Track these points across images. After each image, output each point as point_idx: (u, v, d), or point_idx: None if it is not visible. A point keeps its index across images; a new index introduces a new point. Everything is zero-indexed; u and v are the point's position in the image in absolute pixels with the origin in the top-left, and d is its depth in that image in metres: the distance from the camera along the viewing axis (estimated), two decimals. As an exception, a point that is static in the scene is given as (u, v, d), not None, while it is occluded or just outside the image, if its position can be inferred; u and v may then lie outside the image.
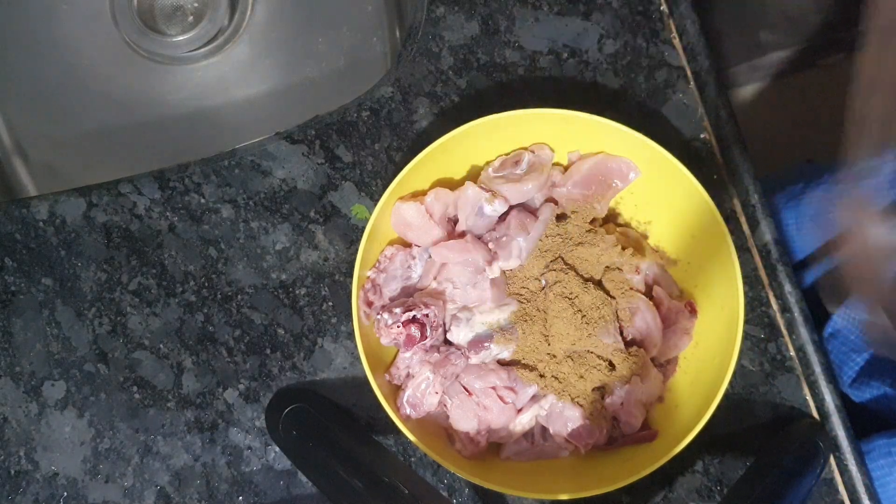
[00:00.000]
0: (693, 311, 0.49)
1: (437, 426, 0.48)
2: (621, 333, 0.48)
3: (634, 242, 0.51)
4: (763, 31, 1.27)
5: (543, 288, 0.48)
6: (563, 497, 0.44)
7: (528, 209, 0.50)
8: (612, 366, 0.47)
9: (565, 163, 0.52)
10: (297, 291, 0.53)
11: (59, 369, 0.52)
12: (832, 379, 0.51)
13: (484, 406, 0.47)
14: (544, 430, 0.49)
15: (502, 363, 0.48)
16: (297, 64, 0.73)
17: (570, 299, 0.47)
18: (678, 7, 0.56)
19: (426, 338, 0.47)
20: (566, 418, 0.47)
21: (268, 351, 0.52)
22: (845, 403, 0.52)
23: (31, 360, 0.52)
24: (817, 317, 0.53)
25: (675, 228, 0.50)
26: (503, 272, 0.49)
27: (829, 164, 0.67)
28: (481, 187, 0.49)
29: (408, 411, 0.47)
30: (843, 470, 0.50)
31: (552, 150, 0.51)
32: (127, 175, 0.54)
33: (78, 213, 0.54)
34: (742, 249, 0.53)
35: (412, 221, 0.48)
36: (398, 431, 0.45)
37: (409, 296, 0.49)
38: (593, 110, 0.48)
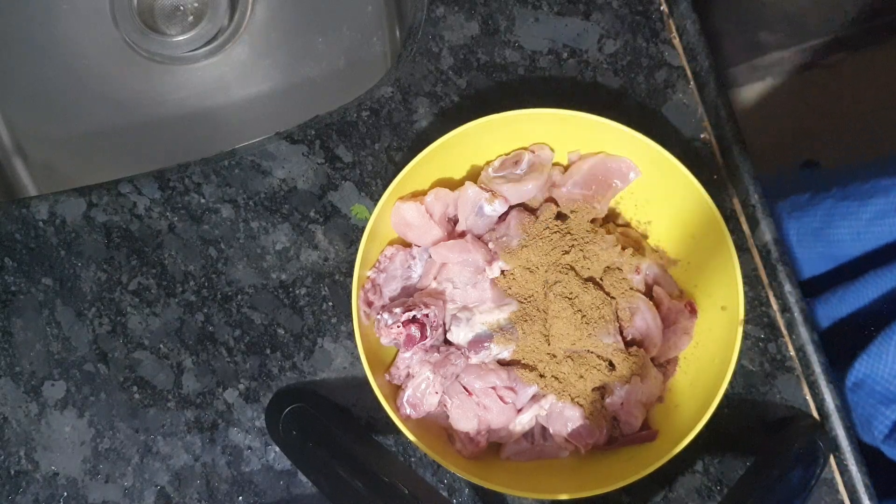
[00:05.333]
0: (693, 311, 0.49)
1: (437, 426, 0.48)
2: (621, 333, 0.48)
3: (634, 242, 0.51)
4: (763, 31, 1.28)
5: (543, 288, 0.48)
6: (563, 497, 0.44)
7: (528, 209, 0.50)
8: (612, 366, 0.47)
9: (565, 163, 0.52)
10: (297, 291, 0.53)
11: (59, 369, 0.52)
12: (832, 379, 0.51)
13: (484, 406, 0.47)
14: (544, 430, 0.49)
15: (502, 363, 0.48)
16: (297, 64, 0.73)
17: (570, 299, 0.47)
18: (678, 7, 0.56)
19: (426, 338, 0.47)
20: (566, 418, 0.47)
21: (268, 351, 0.52)
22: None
23: (31, 360, 0.52)
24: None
25: (675, 228, 0.50)
26: (503, 272, 0.49)
27: (836, 170, 0.65)
28: (481, 187, 0.49)
29: (408, 411, 0.47)
30: (843, 470, 0.50)
31: (552, 150, 0.51)
32: (127, 175, 0.54)
33: (78, 213, 0.54)
34: (742, 249, 0.53)
35: (412, 221, 0.48)
36: (398, 431, 0.45)
37: (409, 296, 0.49)
38: (593, 110, 0.48)
